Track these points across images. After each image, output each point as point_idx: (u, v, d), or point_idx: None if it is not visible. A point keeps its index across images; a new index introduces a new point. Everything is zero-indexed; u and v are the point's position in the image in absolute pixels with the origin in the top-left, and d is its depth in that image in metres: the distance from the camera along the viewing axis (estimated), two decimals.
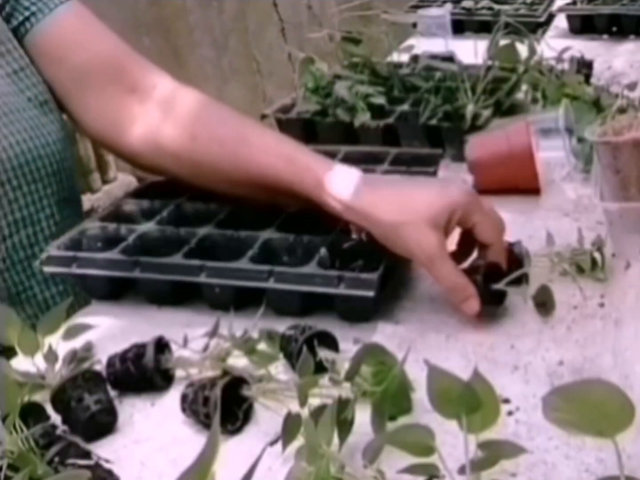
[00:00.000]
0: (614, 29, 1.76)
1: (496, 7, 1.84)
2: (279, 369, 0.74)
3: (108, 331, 0.83)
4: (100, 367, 0.75)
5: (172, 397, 0.73)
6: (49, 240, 0.94)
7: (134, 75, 0.98)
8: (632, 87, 1.22)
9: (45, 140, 0.95)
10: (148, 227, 0.91)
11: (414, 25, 1.75)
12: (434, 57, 1.41)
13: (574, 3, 1.82)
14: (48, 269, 0.87)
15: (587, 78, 1.37)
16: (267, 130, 0.93)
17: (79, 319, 0.84)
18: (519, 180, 1.07)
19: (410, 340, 0.78)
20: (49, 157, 0.95)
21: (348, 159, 1.10)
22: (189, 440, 0.69)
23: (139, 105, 0.96)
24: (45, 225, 0.97)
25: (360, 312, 0.83)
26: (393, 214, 0.79)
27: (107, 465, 0.64)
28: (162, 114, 0.94)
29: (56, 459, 0.63)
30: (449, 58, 1.40)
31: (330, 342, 0.75)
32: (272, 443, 0.66)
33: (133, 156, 0.98)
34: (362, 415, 0.65)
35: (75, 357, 0.76)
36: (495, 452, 0.54)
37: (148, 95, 0.96)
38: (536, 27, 1.73)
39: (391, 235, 0.79)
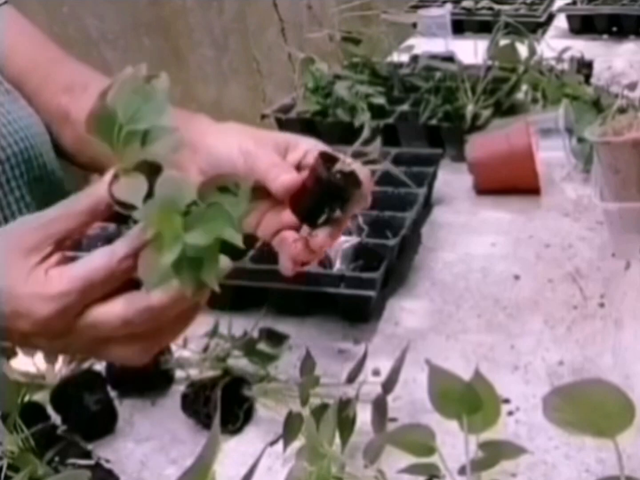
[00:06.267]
0: (614, 29, 1.76)
1: (496, 7, 1.84)
2: (279, 369, 0.74)
3: None
4: (100, 367, 0.75)
5: (172, 397, 0.74)
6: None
7: (66, 76, 0.98)
8: (632, 87, 1.22)
9: (7, 122, 0.94)
10: None
11: (414, 25, 1.75)
12: (434, 57, 1.40)
13: (574, 3, 1.82)
14: None
15: (587, 78, 1.37)
16: None
17: None
18: (519, 180, 1.07)
19: (410, 340, 0.78)
20: (12, 136, 0.94)
21: None
22: (189, 440, 0.69)
23: (71, 104, 0.97)
24: (15, 208, 0.95)
25: (360, 312, 0.83)
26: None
27: (107, 465, 0.65)
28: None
29: (56, 459, 0.63)
30: (449, 58, 1.40)
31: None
32: (273, 443, 0.66)
33: (70, 155, 0.99)
34: (363, 415, 0.65)
35: (75, 357, 0.76)
36: (495, 452, 0.54)
37: (80, 94, 0.97)
38: (536, 27, 1.73)
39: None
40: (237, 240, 0.51)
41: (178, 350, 0.76)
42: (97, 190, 0.58)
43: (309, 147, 0.71)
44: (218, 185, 0.52)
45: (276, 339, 0.77)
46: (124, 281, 0.57)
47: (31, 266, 0.57)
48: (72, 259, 0.58)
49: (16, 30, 1.00)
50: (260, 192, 0.68)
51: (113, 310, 0.56)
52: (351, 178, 0.66)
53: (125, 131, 0.53)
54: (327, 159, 0.66)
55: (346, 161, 0.66)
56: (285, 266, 0.69)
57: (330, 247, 0.69)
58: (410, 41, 1.58)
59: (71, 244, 0.60)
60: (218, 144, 0.72)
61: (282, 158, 0.71)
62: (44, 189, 0.97)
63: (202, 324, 0.80)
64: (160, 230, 0.50)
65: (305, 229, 0.68)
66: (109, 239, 0.90)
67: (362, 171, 0.67)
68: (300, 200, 0.67)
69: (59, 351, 0.61)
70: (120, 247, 0.56)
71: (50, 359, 0.72)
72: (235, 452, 0.66)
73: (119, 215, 0.56)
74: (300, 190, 0.66)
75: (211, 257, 0.50)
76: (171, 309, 0.57)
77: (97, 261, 0.56)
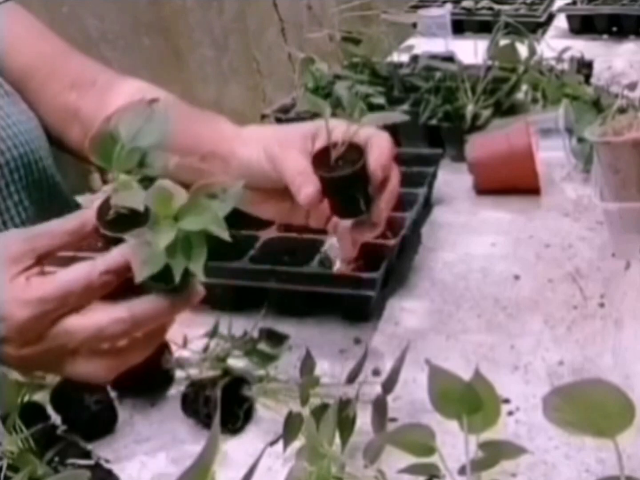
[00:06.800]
0: (614, 29, 1.76)
1: (496, 7, 1.84)
2: (279, 369, 0.74)
3: None
4: None
5: (172, 397, 0.74)
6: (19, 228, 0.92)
7: (72, 71, 0.99)
8: (632, 87, 1.22)
9: (7, 125, 0.93)
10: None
11: (414, 25, 1.75)
12: (434, 57, 1.40)
13: (574, 3, 1.82)
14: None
15: (587, 78, 1.37)
16: (186, 111, 0.91)
17: None
18: (519, 180, 1.07)
19: (410, 340, 0.78)
20: (12, 140, 0.93)
21: None
22: (189, 440, 0.69)
23: (80, 100, 0.96)
24: (14, 212, 0.94)
25: (360, 312, 0.83)
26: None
27: (107, 465, 0.65)
28: (101, 106, 0.94)
29: (56, 459, 0.63)
30: (449, 58, 1.40)
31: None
32: (273, 443, 0.66)
33: (77, 152, 0.98)
34: (363, 415, 0.65)
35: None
36: (495, 452, 0.54)
37: (88, 90, 0.97)
38: (536, 27, 1.73)
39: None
40: (223, 234, 0.54)
41: (178, 350, 0.76)
42: (85, 213, 0.60)
43: (332, 127, 0.71)
44: (207, 192, 0.55)
45: (276, 339, 0.77)
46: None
47: (12, 275, 0.58)
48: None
49: (21, 25, 1.00)
50: None
51: (87, 319, 0.57)
52: (350, 155, 0.66)
53: (127, 150, 0.57)
54: (324, 154, 0.67)
55: (338, 144, 0.67)
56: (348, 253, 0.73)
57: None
58: (410, 41, 1.58)
59: (53, 261, 0.61)
60: (247, 153, 0.74)
61: (311, 149, 0.71)
62: (43, 193, 0.97)
63: (202, 324, 0.80)
64: (158, 217, 0.53)
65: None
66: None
67: (375, 136, 0.69)
68: (329, 201, 0.68)
69: (25, 363, 0.60)
70: (101, 262, 0.57)
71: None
72: (235, 452, 0.66)
73: (107, 241, 0.58)
74: (323, 195, 0.67)
75: (199, 246, 0.54)
76: (143, 323, 0.58)
77: (78, 272, 0.57)
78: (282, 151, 0.71)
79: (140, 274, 0.53)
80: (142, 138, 0.57)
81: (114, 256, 0.56)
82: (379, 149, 0.69)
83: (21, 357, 0.59)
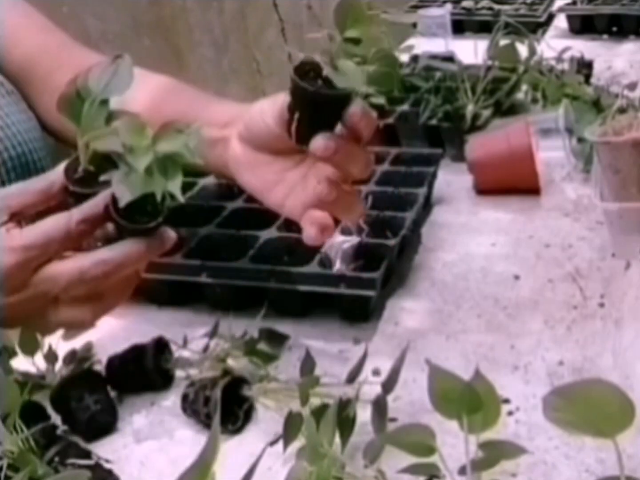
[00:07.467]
0: (614, 29, 1.76)
1: (496, 7, 1.84)
2: (279, 369, 0.74)
3: (108, 331, 0.83)
4: (100, 367, 0.75)
5: (172, 397, 0.74)
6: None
7: (77, 63, 0.98)
8: (632, 87, 1.22)
9: (6, 125, 0.92)
10: None
11: (414, 25, 1.75)
12: (434, 57, 1.41)
13: (574, 3, 1.82)
14: None
15: (587, 78, 1.37)
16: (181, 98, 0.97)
17: None
18: (519, 180, 1.07)
19: (410, 340, 0.78)
20: (10, 140, 0.92)
21: None
22: (189, 440, 0.69)
23: None
24: None
25: (360, 312, 0.83)
26: None
27: (107, 465, 0.65)
28: None
29: (56, 459, 0.63)
30: (449, 58, 1.40)
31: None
32: (273, 443, 0.66)
33: None
34: (363, 415, 0.65)
35: (75, 357, 0.76)
36: (495, 453, 0.54)
37: None
38: (536, 27, 1.73)
39: None
40: (194, 158, 0.56)
41: (178, 350, 0.76)
42: (53, 174, 0.63)
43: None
44: (174, 128, 0.58)
45: (276, 339, 0.77)
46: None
47: None
48: None
49: (23, 17, 1.00)
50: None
51: (69, 263, 0.60)
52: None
53: (97, 104, 0.61)
54: (308, 69, 0.66)
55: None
56: (309, 234, 0.69)
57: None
58: (410, 41, 1.58)
59: (25, 220, 0.64)
60: (254, 110, 0.75)
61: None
62: None
63: (202, 324, 0.80)
64: (132, 147, 0.56)
65: None
66: (108, 240, 0.90)
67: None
68: (295, 123, 0.66)
69: (11, 313, 0.62)
70: (77, 212, 0.60)
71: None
72: (235, 452, 0.66)
73: (77, 198, 0.61)
74: (290, 114, 0.66)
75: (175, 168, 0.56)
76: (123, 264, 0.60)
77: (57, 220, 0.60)
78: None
79: (123, 199, 0.55)
80: (111, 91, 0.61)
81: (88, 206, 0.59)
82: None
83: (7, 306, 0.60)
